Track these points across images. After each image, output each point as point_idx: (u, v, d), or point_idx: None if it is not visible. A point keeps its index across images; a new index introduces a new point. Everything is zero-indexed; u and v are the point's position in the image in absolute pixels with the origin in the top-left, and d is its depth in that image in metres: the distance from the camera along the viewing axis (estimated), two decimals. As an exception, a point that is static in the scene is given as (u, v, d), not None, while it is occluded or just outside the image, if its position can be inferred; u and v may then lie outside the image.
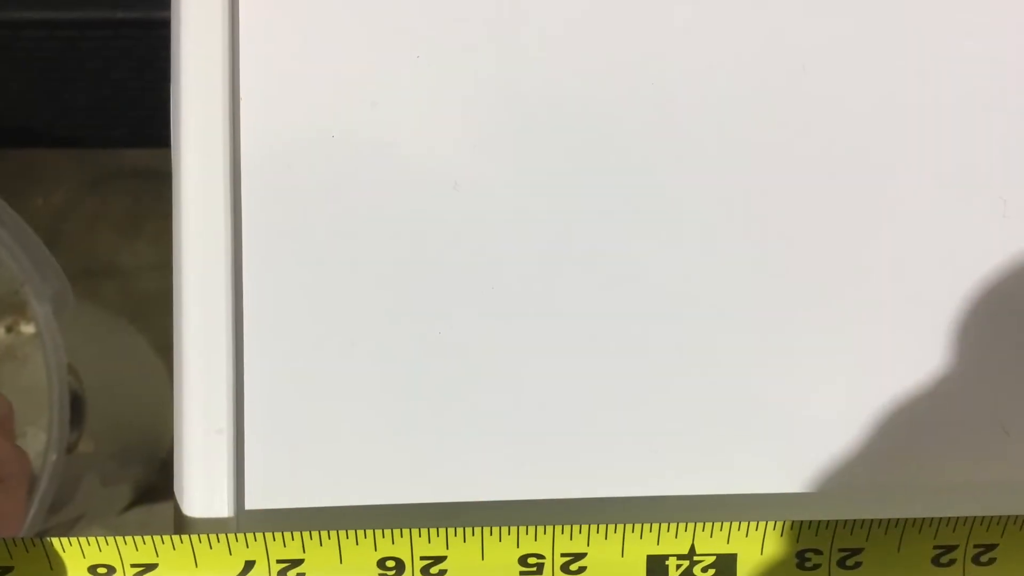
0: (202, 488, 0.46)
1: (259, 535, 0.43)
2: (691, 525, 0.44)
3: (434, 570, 0.44)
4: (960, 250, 0.47)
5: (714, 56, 0.47)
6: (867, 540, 0.44)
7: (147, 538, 0.43)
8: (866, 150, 0.47)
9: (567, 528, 0.44)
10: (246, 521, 0.46)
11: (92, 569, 0.43)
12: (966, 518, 0.44)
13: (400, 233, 0.46)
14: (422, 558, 0.44)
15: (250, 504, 0.46)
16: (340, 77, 0.47)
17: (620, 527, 0.44)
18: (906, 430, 0.47)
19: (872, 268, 0.47)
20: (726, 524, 0.44)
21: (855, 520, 0.44)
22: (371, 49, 0.47)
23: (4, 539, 0.43)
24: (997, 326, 0.47)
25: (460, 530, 0.44)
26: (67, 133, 1.08)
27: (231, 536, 0.43)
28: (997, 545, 0.45)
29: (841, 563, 0.45)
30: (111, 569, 0.43)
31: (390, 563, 0.44)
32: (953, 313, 0.47)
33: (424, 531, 0.44)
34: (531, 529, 0.44)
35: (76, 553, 0.43)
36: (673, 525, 0.44)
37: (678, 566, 0.44)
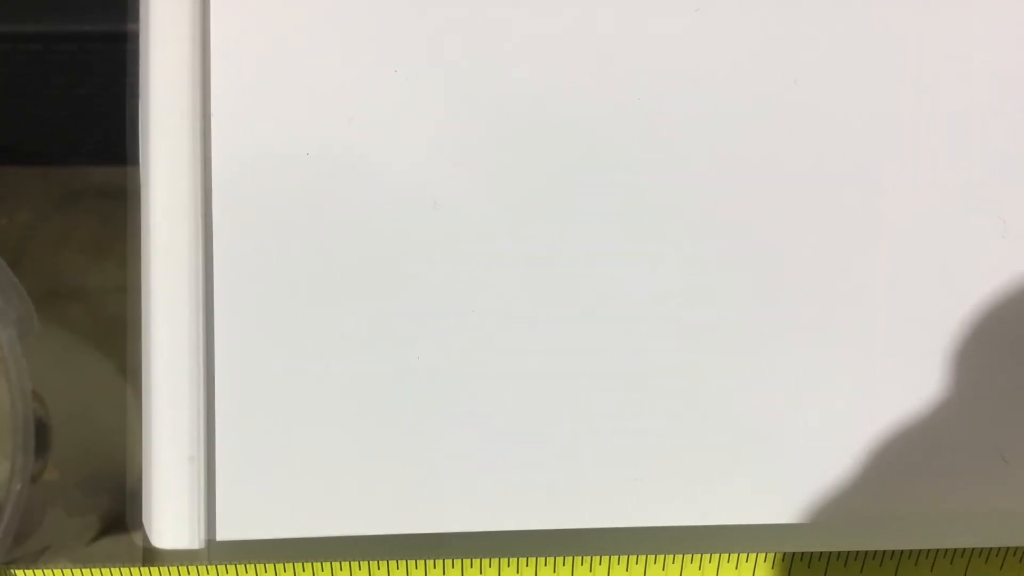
0: (171, 518, 0.46)
1: (229, 567, 0.43)
2: (678, 557, 0.44)
3: (412, 604, 0.44)
4: (958, 271, 0.47)
5: (704, 70, 0.47)
6: (861, 572, 0.45)
7: (115, 570, 0.43)
8: (860, 167, 0.47)
9: (550, 560, 0.44)
10: (217, 553, 0.46)
11: (57, 603, 0.43)
12: (964, 550, 0.45)
13: (377, 253, 0.46)
14: (400, 591, 0.44)
15: (221, 535, 0.46)
16: (315, 92, 0.47)
17: (605, 559, 0.44)
18: (901, 458, 0.47)
19: (867, 290, 0.47)
20: (715, 556, 0.44)
21: (849, 551, 0.44)
22: (347, 63, 0.47)
23: (-34, 572, 0.43)
24: (995, 350, 0.47)
25: (440, 562, 0.44)
26: (31, 150, 1.08)
27: (201, 568, 0.43)
28: (996, 577, 0.45)
29: (835, 596, 0.45)
30: (77, 603, 0.43)
31: (367, 596, 0.44)
32: (950, 336, 0.47)
33: (402, 563, 0.44)
34: (513, 561, 0.44)
35: (40, 586, 0.43)
36: (660, 557, 0.44)
37: (666, 599, 0.45)
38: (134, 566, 0.44)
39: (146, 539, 0.46)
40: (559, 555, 0.44)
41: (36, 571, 0.43)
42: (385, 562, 0.44)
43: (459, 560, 0.44)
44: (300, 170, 0.46)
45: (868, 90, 0.47)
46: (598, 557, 0.44)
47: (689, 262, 0.47)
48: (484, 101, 0.47)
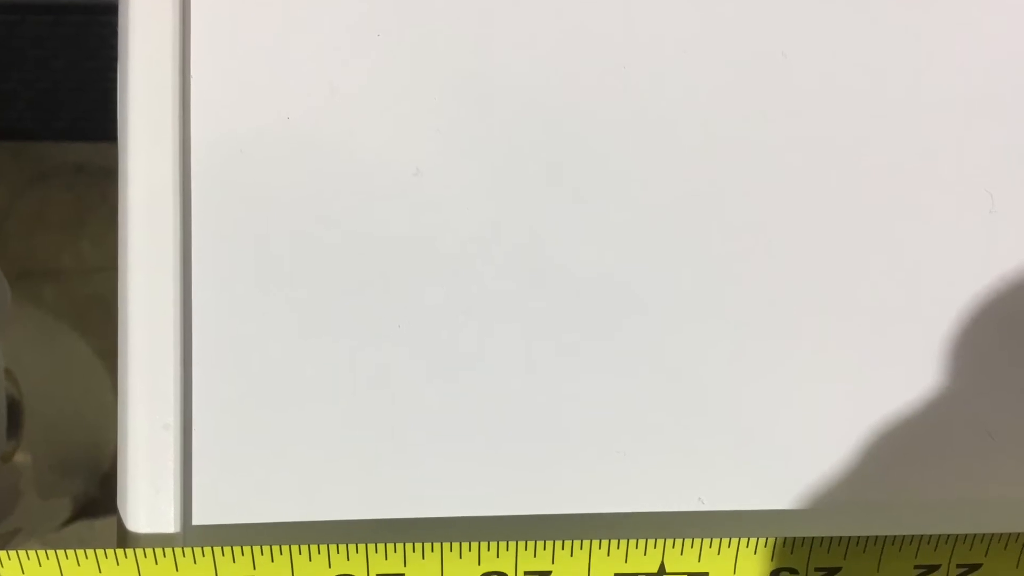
0: (147, 502, 0.46)
1: (207, 550, 0.44)
2: (660, 542, 0.44)
3: (391, 588, 0.44)
4: (944, 249, 0.48)
5: (689, 42, 0.47)
6: (845, 559, 0.45)
7: (89, 552, 0.43)
8: (846, 145, 0.47)
9: (531, 544, 0.44)
10: (193, 537, 0.46)
11: (30, 585, 0.44)
12: (948, 536, 0.45)
13: (359, 225, 0.46)
14: (378, 575, 0.44)
15: (198, 519, 0.46)
16: (297, 58, 0.47)
17: (586, 543, 0.44)
18: (887, 443, 0.47)
19: (851, 272, 0.47)
20: (697, 541, 0.44)
21: (832, 537, 0.45)
22: (329, 28, 0.47)
23: (-62, 553, 0.43)
24: (984, 330, 0.48)
25: (418, 545, 0.44)
26: (5, 125, 1.08)
27: (178, 551, 0.44)
28: (981, 565, 0.45)
29: (818, 583, 0.45)
30: (50, 585, 0.44)
31: (345, 580, 0.44)
32: (938, 317, 0.48)
33: (380, 546, 0.44)
34: (493, 545, 0.44)
35: (15, 568, 0.43)
36: (642, 542, 0.44)
37: (647, 584, 0.45)
38: (108, 548, 0.44)
39: (121, 523, 0.46)
40: (540, 539, 0.44)
41: (9, 553, 0.43)
42: (363, 545, 0.44)
43: (438, 544, 0.44)
44: (281, 141, 0.46)
45: (856, 64, 0.48)
46: (579, 542, 0.44)
47: (674, 243, 0.47)
48: (468, 66, 0.47)
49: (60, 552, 0.43)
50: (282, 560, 0.44)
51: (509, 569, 0.44)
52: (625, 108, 0.47)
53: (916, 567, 0.45)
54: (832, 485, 0.47)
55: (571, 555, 0.44)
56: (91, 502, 1.02)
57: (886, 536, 0.45)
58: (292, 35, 0.47)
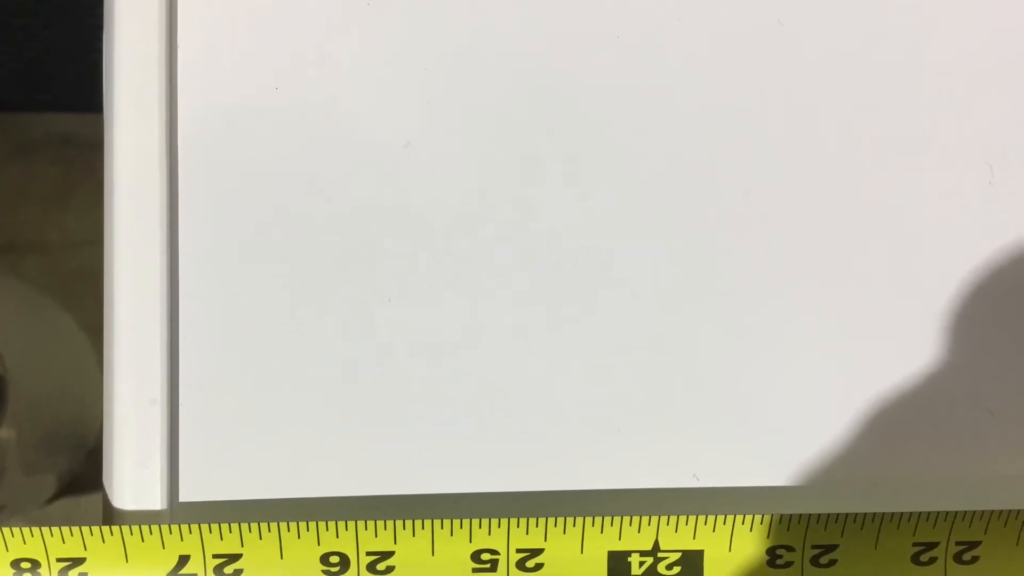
0: (133, 478, 0.46)
1: (194, 527, 0.44)
2: (654, 519, 0.44)
3: (381, 566, 0.44)
4: (943, 222, 0.47)
5: (683, 11, 0.47)
6: (842, 536, 0.45)
7: (75, 529, 0.43)
8: (844, 116, 0.47)
9: (523, 522, 0.44)
10: (180, 514, 0.46)
11: (15, 563, 0.43)
12: (947, 513, 0.45)
13: (347, 197, 0.46)
14: (368, 553, 0.44)
15: (184, 496, 0.46)
16: (285, 27, 0.47)
17: (579, 521, 0.44)
18: (885, 419, 0.47)
19: (849, 246, 0.47)
20: (692, 518, 0.44)
21: (829, 515, 0.45)
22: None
23: (-79, 530, 0.43)
24: (981, 303, 0.48)
25: (409, 523, 0.44)
26: (-12, 96, 1.07)
27: (164, 528, 0.44)
28: (980, 543, 0.45)
29: (815, 561, 0.45)
30: (35, 563, 0.43)
31: (334, 559, 0.44)
32: (936, 292, 0.48)
33: (370, 524, 0.44)
34: (484, 522, 0.44)
35: (-1, 545, 0.43)
36: (636, 519, 0.44)
37: (641, 563, 0.45)
38: (94, 525, 0.44)
39: (106, 500, 0.46)
40: (532, 517, 0.44)
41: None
42: (353, 523, 0.44)
43: (429, 521, 0.44)
44: (269, 111, 0.46)
45: (855, 34, 0.47)
46: (572, 519, 0.44)
47: (668, 218, 0.47)
48: (458, 37, 0.47)
49: (45, 529, 0.43)
50: (270, 537, 0.44)
51: (501, 547, 0.44)
52: (618, 79, 0.47)
53: (914, 544, 0.45)
54: (829, 462, 0.47)
55: (564, 532, 0.44)
56: (76, 479, 1.02)
57: (884, 513, 0.45)
58: (280, 4, 0.47)
